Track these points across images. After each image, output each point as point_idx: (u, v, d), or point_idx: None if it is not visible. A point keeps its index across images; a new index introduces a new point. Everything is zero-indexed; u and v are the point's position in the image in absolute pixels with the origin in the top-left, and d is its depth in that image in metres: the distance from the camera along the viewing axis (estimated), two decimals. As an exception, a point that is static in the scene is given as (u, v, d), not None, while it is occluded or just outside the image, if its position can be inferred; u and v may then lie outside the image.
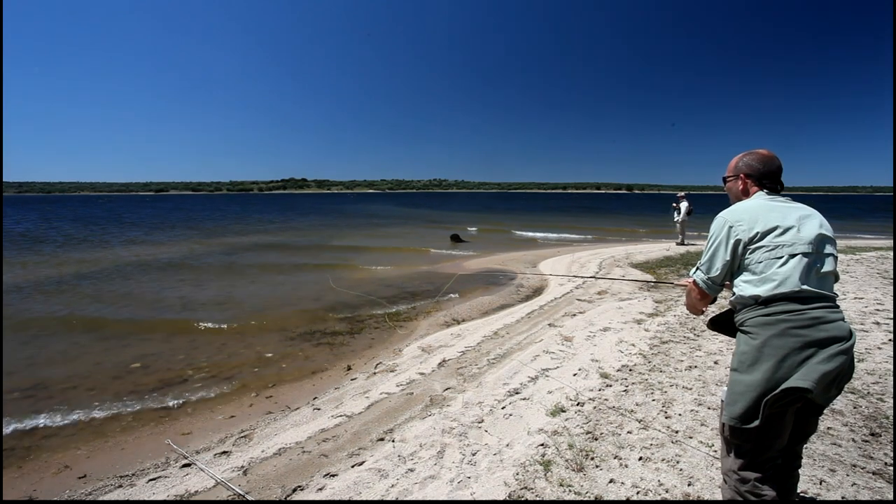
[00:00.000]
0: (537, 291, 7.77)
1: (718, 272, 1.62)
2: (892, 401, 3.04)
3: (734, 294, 1.61)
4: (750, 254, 1.55)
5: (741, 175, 1.72)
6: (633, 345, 4.41)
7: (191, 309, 7.10)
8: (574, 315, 5.74)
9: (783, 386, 1.38)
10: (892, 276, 7.32)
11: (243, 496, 2.43)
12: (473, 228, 22.02)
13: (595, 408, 3.11)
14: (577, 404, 3.18)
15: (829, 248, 1.54)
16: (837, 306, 1.51)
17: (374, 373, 4.28)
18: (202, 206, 53.36)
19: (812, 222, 1.56)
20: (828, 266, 1.52)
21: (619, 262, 10.25)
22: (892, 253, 10.27)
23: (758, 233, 1.54)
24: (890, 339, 4.23)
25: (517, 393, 3.46)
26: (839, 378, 1.42)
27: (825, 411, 2.90)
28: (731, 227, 1.58)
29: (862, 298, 5.87)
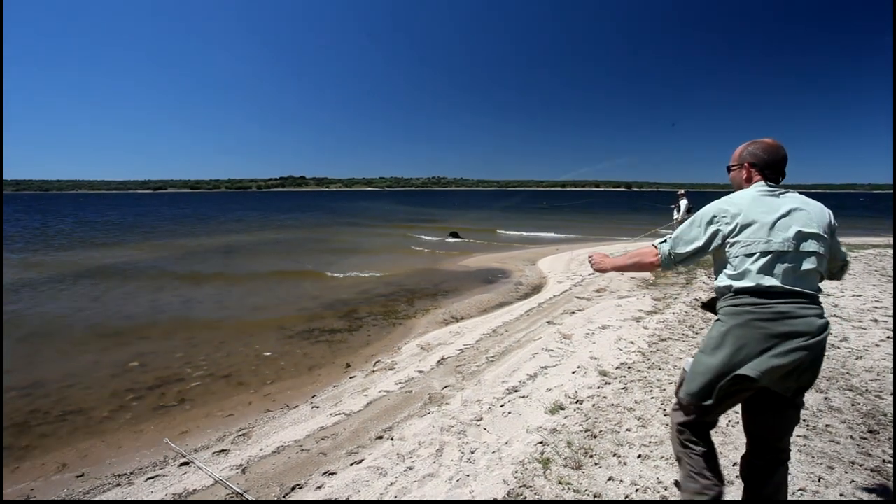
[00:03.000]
0: (536, 289, 7.77)
1: (684, 250, 1.64)
2: (890, 398, 3.04)
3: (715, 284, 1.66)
4: (730, 247, 1.57)
5: (745, 164, 1.69)
6: (632, 342, 4.41)
7: (189, 308, 7.08)
8: (573, 313, 5.74)
9: (734, 373, 1.47)
10: (890, 274, 7.33)
11: (242, 495, 2.42)
12: (430, 236, 18.92)
13: (594, 405, 3.11)
14: (576, 402, 3.18)
15: (812, 246, 1.52)
16: (814, 303, 1.50)
17: (373, 371, 4.27)
18: (170, 205, 51.52)
19: (797, 218, 1.54)
20: (808, 264, 1.51)
21: (618, 259, 10.24)
22: (890, 250, 10.29)
23: (738, 226, 1.55)
24: (888, 337, 4.23)
25: (516, 391, 3.45)
26: (798, 371, 1.45)
27: (824, 409, 2.91)
28: (716, 216, 1.60)
29: (860, 296, 5.88)
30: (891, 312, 5.02)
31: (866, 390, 3.17)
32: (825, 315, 1.51)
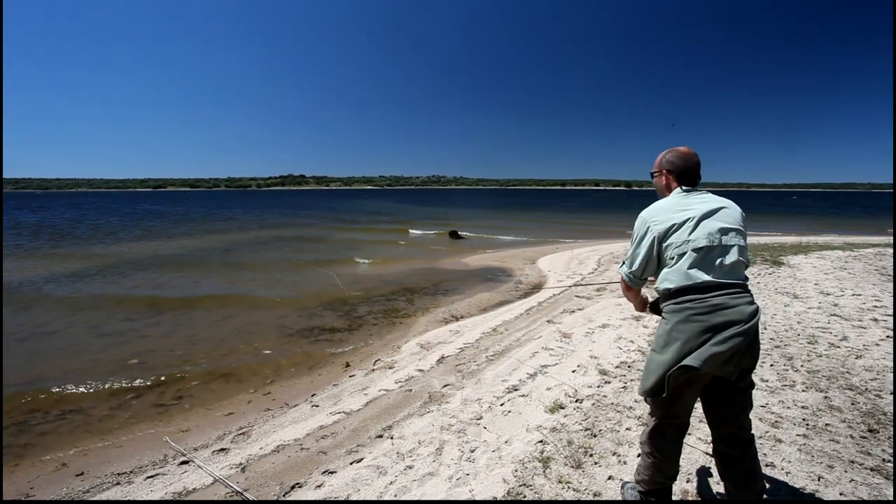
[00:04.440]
0: (536, 288, 7.76)
1: (638, 266, 1.79)
2: (890, 397, 3.04)
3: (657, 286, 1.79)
4: (665, 250, 1.71)
5: (664, 171, 1.87)
6: (632, 341, 4.41)
7: (190, 309, 7.08)
8: (573, 312, 5.74)
9: (680, 364, 1.59)
10: (890, 273, 7.33)
11: (242, 493, 2.42)
12: (421, 231, 19.59)
13: (594, 404, 3.11)
14: (576, 401, 3.18)
15: (733, 239, 1.66)
16: (745, 291, 1.64)
17: (373, 369, 4.27)
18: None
19: (717, 216, 1.69)
20: (732, 256, 1.64)
21: (618, 258, 10.25)
22: (890, 249, 10.29)
23: (669, 229, 1.69)
24: (888, 336, 4.23)
25: (516, 390, 3.45)
26: (736, 356, 1.57)
27: (824, 408, 2.92)
28: (648, 226, 1.75)
29: (860, 295, 5.87)
30: (891, 312, 5.02)
31: (866, 389, 3.17)
32: (755, 301, 1.64)
